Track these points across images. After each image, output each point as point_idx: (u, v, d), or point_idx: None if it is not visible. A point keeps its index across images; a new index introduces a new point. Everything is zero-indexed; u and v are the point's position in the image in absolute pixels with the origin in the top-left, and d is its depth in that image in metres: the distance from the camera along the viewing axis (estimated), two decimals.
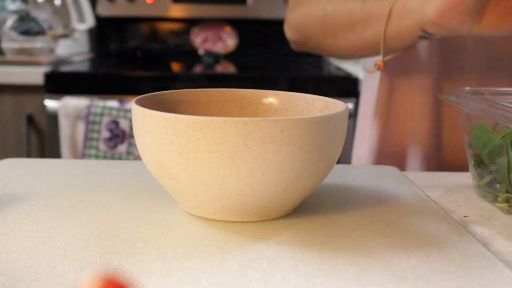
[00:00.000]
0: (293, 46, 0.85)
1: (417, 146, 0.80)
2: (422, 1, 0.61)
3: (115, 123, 1.48)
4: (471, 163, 0.59)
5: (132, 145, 1.48)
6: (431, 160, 0.80)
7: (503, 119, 0.51)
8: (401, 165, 0.82)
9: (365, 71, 0.86)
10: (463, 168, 0.77)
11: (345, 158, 1.59)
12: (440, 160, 0.80)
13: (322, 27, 0.75)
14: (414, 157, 0.81)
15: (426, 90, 0.79)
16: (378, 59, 0.69)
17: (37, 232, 0.44)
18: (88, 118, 1.48)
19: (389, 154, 0.83)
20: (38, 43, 1.77)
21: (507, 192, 0.54)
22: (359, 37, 0.71)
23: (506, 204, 0.54)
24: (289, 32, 0.82)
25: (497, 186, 0.55)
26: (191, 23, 2.10)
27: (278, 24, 2.09)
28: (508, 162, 0.53)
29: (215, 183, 0.43)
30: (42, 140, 1.64)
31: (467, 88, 0.61)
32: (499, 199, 0.55)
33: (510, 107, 0.51)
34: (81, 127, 1.49)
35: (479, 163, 0.58)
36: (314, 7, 0.76)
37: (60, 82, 1.58)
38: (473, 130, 0.58)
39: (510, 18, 0.58)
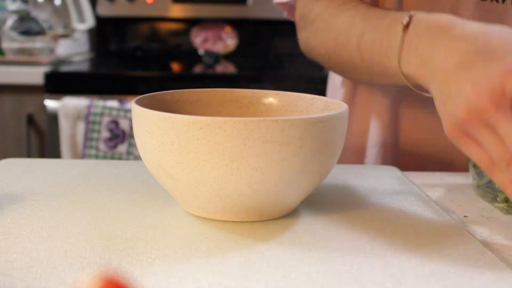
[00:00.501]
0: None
1: (375, 145, 0.80)
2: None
3: (115, 123, 1.48)
4: (470, 163, 0.59)
5: (132, 145, 1.48)
6: (387, 158, 0.80)
7: None
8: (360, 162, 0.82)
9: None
10: (421, 167, 0.77)
11: None
12: (397, 160, 0.80)
13: (328, 64, 0.73)
14: (371, 157, 0.80)
15: (385, 92, 0.78)
16: None
17: (37, 232, 0.44)
18: (88, 118, 1.48)
19: (348, 154, 0.83)
20: (38, 43, 1.76)
21: None
22: (367, 78, 0.67)
23: (506, 204, 0.54)
24: (300, 42, 0.79)
25: (497, 186, 0.55)
26: (191, 23, 2.10)
27: (278, 24, 2.09)
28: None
29: (215, 183, 0.43)
30: (42, 140, 1.64)
31: None
32: (498, 199, 0.55)
33: None
34: (81, 127, 1.49)
35: None
36: (318, 39, 0.71)
37: (60, 82, 1.58)
38: None
39: None
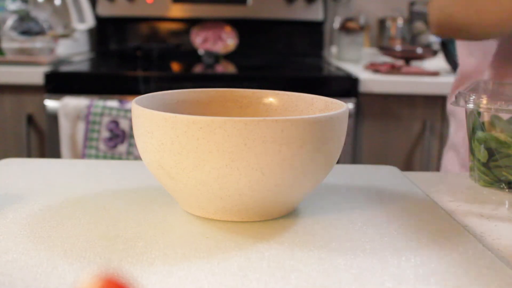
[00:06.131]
0: (434, 31, 0.82)
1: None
2: None
3: (115, 123, 1.48)
4: (473, 158, 0.63)
5: (132, 145, 1.48)
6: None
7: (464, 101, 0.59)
8: None
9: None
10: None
11: (345, 158, 1.59)
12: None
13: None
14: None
15: None
16: None
17: (37, 232, 0.44)
18: (88, 118, 1.48)
19: None
20: (38, 43, 1.76)
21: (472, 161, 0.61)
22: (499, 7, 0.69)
23: (471, 172, 0.62)
24: (433, 12, 0.79)
25: (471, 157, 0.62)
26: (191, 23, 2.10)
27: (278, 24, 2.09)
28: (469, 136, 0.61)
29: (215, 183, 0.43)
30: (42, 140, 1.64)
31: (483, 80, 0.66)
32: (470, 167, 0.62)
33: (469, 94, 0.58)
34: (81, 127, 1.49)
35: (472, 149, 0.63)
36: None
37: (60, 82, 1.58)
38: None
39: None
